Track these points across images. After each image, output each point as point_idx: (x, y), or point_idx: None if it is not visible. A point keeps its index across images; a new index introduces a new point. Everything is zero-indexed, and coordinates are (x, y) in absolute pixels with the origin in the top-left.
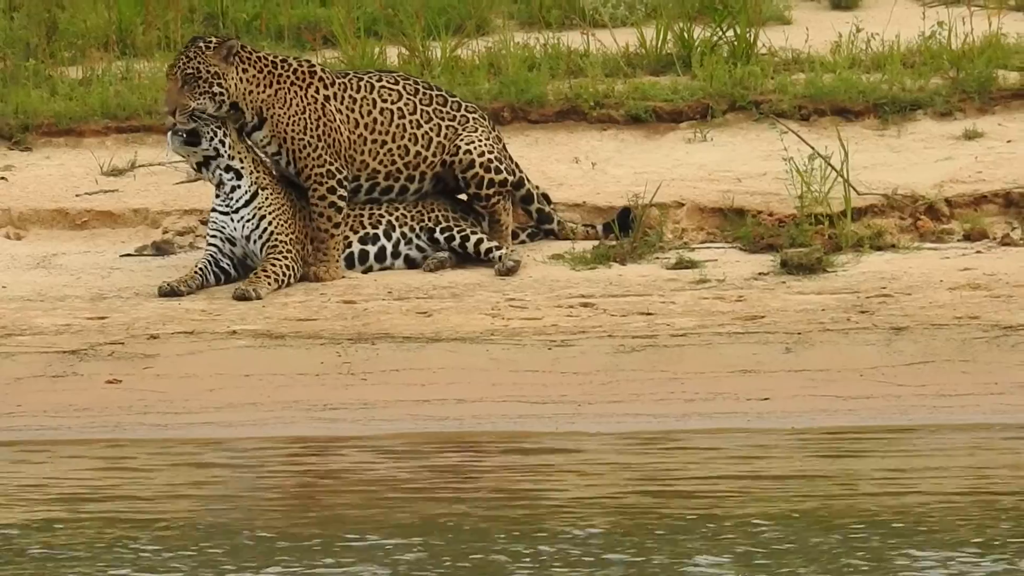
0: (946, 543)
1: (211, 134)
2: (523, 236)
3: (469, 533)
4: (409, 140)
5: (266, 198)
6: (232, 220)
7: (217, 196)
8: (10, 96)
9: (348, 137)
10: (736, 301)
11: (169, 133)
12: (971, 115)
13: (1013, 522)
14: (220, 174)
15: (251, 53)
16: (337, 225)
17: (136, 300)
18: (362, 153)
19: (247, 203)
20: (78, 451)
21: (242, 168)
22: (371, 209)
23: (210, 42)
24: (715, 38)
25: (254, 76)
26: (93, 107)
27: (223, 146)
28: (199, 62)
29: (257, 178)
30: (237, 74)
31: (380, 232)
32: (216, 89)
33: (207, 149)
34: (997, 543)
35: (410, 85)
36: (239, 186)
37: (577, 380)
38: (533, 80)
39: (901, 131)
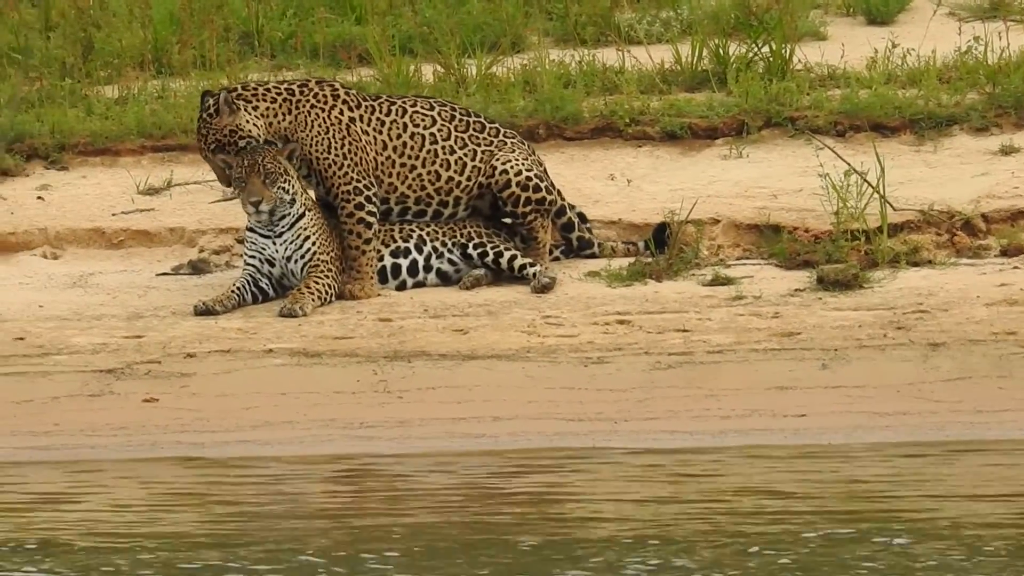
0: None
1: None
2: (557, 252)
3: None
4: (441, 166)
5: (310, 220)
6: (274, 243)
7: (257, 222)
8: (46, 115)
9: (375, 158)
10: (772, 318)
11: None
12: (1008, 130)
13: None
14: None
15: (255, 89)
16: (368, 241)
17: (172, 319)
18: (390, 176)
19: (291, 226)
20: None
21: (294, 193)
22: (402, 224)
23: (208, 107)
24: (751, 54)
25: (268, 107)
26: (129, 126)
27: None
28: (214, 132)
29: (304, 200)
30: (249, 115)
31: (411, 246)
32: (242, 144)
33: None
34: None
35: (446, 111)
36: (289, 213)
37: (613, 397)
38: (568, 97)
39: (937, 147)
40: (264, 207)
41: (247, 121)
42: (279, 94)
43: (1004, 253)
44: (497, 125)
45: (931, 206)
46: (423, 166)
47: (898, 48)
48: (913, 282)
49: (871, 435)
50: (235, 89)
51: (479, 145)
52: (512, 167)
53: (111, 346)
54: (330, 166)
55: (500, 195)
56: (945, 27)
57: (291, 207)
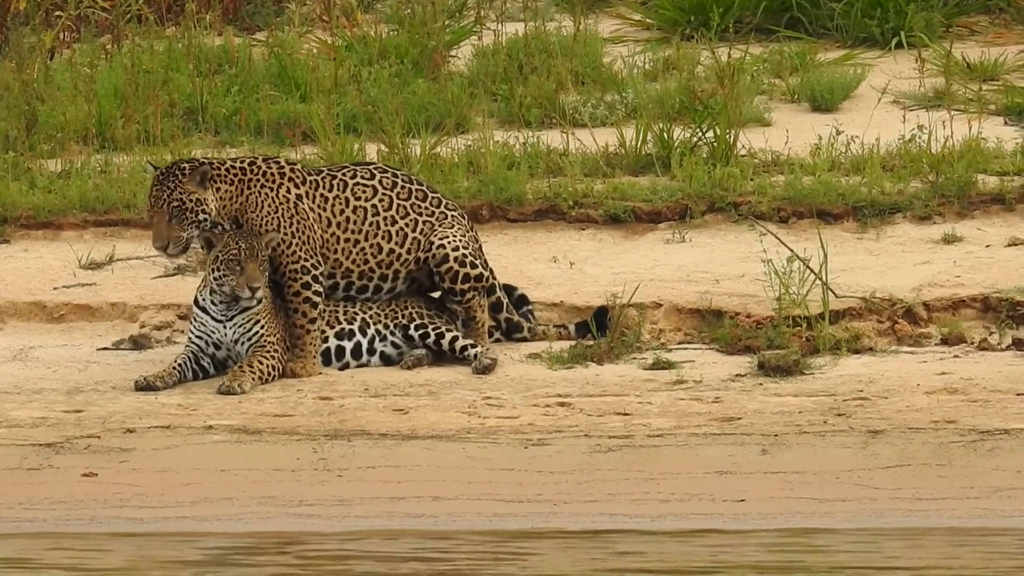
0: None
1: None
2: (497, 335)
3: None
4: (383, 238)
5: (263, 305)
6: (224, 326)
7: (214, 304)
8: None
9: (321, 235)
10: (713, 402)
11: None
12: (950, 219)
13: None
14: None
15: (219, 167)
16: (313, 321)
17: (113, 394)
18: (335, 252)
19: (244, 310)
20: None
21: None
22: (345, 305)
23: (184, 169)
24: (695, 139)
25: (227, 190)
26: (72, 200)
27: None
28: (181, 192)
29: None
30: (213, 194)
31: (356, 328)
32: (201, 217)
33: None
34: None
35: (387, 179)
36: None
37: (553, 479)
38: (512, 179)
39: (880, 234)
40: (260, 294)
41: (210, 199)
42: (236, 175)
43: (945, 342)
44: (439, 195)
45: (873, 294)
46: (365, 239)
47: (842, 135)
48: (854, 369)
49: (810, 521)
50: (207, 163)
51: (420, 215)
52: (450, 243)
53: (51, 420)
54: (279, 245)
55: (438, 270)
56: (889, 115)
57: None
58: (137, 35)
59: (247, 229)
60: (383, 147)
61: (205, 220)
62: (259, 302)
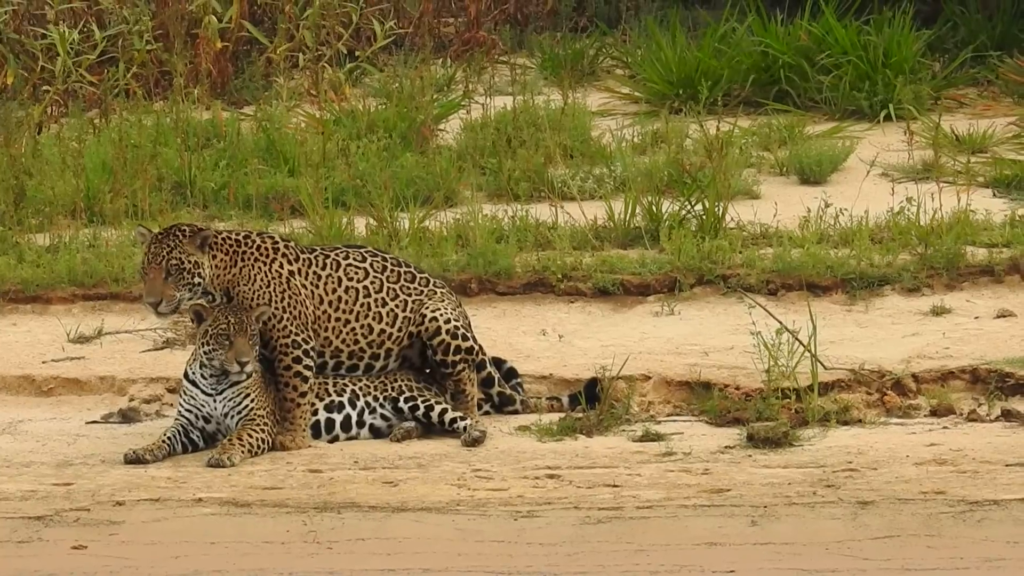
0: None
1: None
2: (487, 407)
3: None
4: (373, 319)
5: (253, 379)
6: (214, 400)
7: (204, 377)
8: None
9: (313, 312)
10: (702, 474)
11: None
12: (939, 291)
13: None
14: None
15: (216, 236)
16: (304, 394)
17: (102, 467)
18: (326, 330)
19: (234, 384)
20: None
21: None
22: (335, 378)
23: (185, 231)
24: (683, 212)
25: (222, 260)
26: (60, 274)
27: None
28: (180, 252)
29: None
30: (210, 261)
31: (345, 400)
32: (196, 280)
33: None
34: None
35: (378, 262)
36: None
37: (543, 551)
38: (501, 252)
39: (869, 306)
40: (249, 368)
41: (206, 266)
42: (231, 246)
43: (934, 413)
44: (427, 275)
45: (862, 365)
46: (356, 320)
47: (831, 208)
48: (843, 441)
49: None
50: (210, 231)
51: (410, 295)
52: (442, 315)
53: (40, 493)
54: (270, 319)
55: (430, 343)
56: (878, 187)
57: None
58: (125, 109)
59: (237, 303)
60: (371, 221)
61: (199, 285)
62: (248, 376)
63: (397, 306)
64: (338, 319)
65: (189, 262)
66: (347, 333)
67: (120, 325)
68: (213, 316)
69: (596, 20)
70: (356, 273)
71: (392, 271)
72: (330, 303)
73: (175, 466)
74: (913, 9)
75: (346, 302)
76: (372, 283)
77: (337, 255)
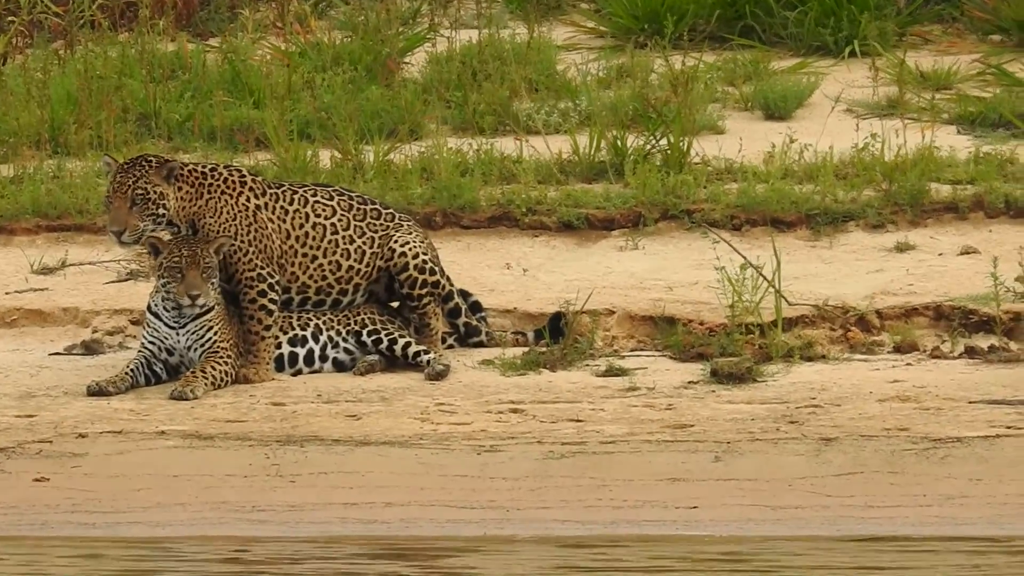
0: None
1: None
2: (451, 341)
3: None
4: (342, 255)
5: (216, 312)
6: (178, 333)
7: (166, 310)
8: None
9: (279, 246)
10: (666, 409)
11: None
12: (903, 227)
13: None
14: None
15: (183, 168)
16: (268, 328)
17: (65, 399)
18: (292, 265)
19: (197, 317)
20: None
21: (217, 288)
22: (299, 311)
23: (151, 161)
24: (648, 147)
25: (187, 192)
26: (24, 205)
27: None
28: (146, 182)
29: (213, 294)
30: (175, 193)
31: (308, 334)
32: (161, 211)
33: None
34: None
35: (344, 200)
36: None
37: (506, 485)
38: (466, 185)
39: (833, 242)
40: (201, 301)
41: (171, 197)
42: (196, 179)
43: (897, 349)
44: (392, 211)
45: (826, 301)
46: (324, 256)
47: (795, 143)
48: (807, 377)
49: (762, 528)
50: (176, 163)
51: (376, 232)
52: (410, 250)
53: (2, 425)
54: (235, 252)
55: (398, 277)
56: (843, 123)
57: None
58: (90, 40)
59: (201, 235)
60: (336, 153)
61: (164, 216)
62: (201, 308)
63: (365, 243)
64: (305, 255)
65: (155, 193)
66: (314, 269)
67: (84, 257)
68: (168, 249)
69: None
70: (324, 210)
71: (359, 209)
72: (297, 238)
73: (138, 398)
74: None
75: (313, 238)
76: (340, 220)
77: (305, 191)
